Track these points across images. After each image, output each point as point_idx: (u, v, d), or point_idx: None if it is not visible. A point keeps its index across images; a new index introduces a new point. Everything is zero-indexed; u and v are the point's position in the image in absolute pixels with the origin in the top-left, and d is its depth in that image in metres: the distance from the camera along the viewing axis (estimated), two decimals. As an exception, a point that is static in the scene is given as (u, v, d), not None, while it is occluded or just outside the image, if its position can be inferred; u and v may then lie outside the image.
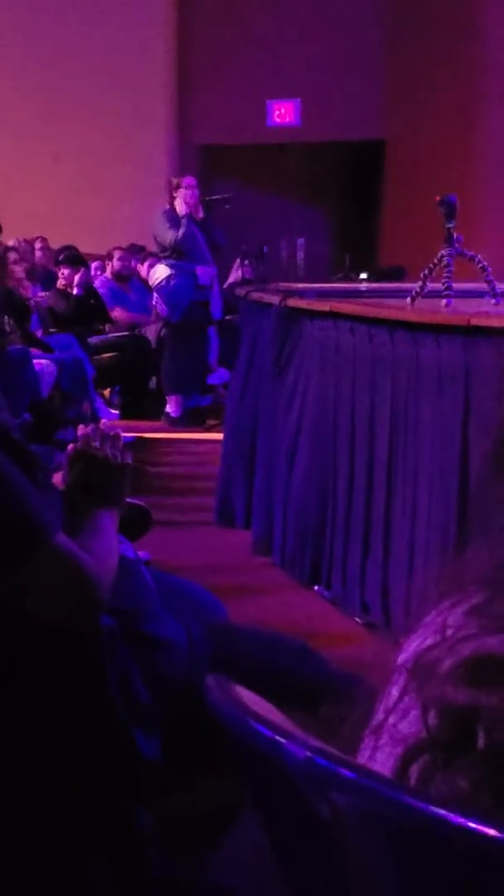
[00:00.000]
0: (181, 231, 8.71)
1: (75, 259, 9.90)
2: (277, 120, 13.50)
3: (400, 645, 0.77)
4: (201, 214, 8.81)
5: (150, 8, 13.18)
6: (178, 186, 8.90)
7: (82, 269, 9.69)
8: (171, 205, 8.89)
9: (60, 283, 9.70)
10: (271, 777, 0.72)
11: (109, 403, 9.74)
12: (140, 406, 9.60)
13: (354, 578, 4.29)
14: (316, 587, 4.59)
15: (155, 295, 9.21)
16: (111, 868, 1.88)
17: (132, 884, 1.88)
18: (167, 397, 9.16)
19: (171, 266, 8.87)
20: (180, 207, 8.80)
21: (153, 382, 9.80)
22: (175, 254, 8.81)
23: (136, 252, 10.84)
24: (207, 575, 4.30)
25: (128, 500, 2.28)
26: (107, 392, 9.92)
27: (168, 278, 8.87)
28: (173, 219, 8.79)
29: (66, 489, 2.08)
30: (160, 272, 8.99)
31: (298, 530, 4.72)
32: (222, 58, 13.08)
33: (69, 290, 9.55)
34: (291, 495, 4.81)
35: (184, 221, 8.72)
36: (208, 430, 8.51)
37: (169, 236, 8.85)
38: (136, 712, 1.93)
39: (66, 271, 9.66)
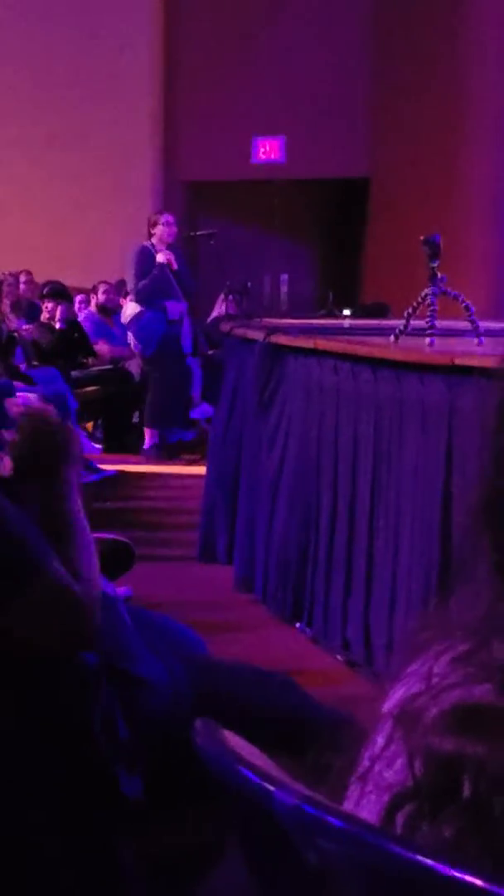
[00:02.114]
0: (143, 283, 8.75)
1: (59, 293, 9.94)
2: (263, 157, 13.56)
3: (385, 692, 0.77)
4: (175, 266, 8.81)
5: (138, 44, 13.27)
6: (155, 223, 8.92)
7: (63, 304, 9.72)
8: (149, 241, 8.91)
9: (44, 316, 9.73)
10: (259, 823, 0.72)
11: (92, 437, 9.74)
12: (123, 440, 9.59)
13: (336, 616, 4.29)
14: (297, 624, 4.58)
15: (129, 332, 9.26)
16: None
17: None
18: (145, 430, 9.16)
19: (140, 302, 8.91)
20: (157, 246, 8.83)
21: (136, 416, 9.80)
22: (138, 299, 8.86)
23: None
24: (189, 611, 4.30)
25: (110, 536, 2.28)
26: (90, 426, 9.93)
27: (138, 315, 8.90)
28: (142, 262, 8.81)
29: (18, 461, 2.12)
30: (130, 309, 9.04)
31: (280, 567, 4.72)
32: (208, 94, 13.16)
33: (53, 323, 9.58)
34: (274, 532, 4.81)
35: (155, 271, 8.74)
36: (190, 464, 8.51)
37: (131, 283, 8.94)
38: (119, 751, 1.93)
39: (49, 305, 9.70)
